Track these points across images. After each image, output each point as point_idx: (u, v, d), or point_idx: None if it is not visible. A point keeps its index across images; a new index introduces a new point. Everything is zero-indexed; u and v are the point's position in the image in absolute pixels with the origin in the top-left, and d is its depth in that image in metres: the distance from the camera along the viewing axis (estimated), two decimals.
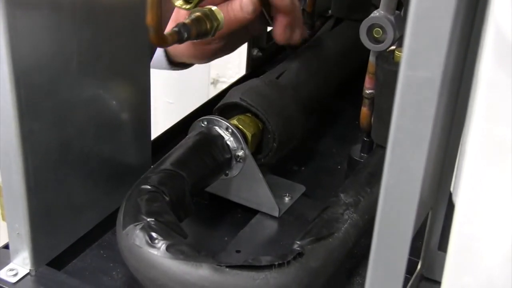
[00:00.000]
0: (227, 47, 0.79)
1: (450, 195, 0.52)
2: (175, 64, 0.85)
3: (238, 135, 0.64)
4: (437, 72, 0.33)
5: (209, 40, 0.75)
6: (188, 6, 0.57)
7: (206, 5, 0.60)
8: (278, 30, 0.73)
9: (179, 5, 0.58)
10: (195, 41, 0.75)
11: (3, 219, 0.58)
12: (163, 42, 0.53)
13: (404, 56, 0.34)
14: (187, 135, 0.66)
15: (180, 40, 0.55)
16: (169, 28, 0.66)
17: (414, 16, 0.33)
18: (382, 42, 0.66)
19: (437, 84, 0.34)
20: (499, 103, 0.31)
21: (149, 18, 0.50)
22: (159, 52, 0.82)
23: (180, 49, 0.80)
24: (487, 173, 0.34)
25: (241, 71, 1.04)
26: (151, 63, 0.82)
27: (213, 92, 1.57)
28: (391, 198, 0.38)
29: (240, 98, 0.67)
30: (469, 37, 0.42)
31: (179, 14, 0.74)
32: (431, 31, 0.33)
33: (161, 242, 0.51)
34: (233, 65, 1.53)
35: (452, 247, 0.38)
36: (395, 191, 0.38)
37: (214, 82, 1.62)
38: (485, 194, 0.35)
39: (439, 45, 0.33)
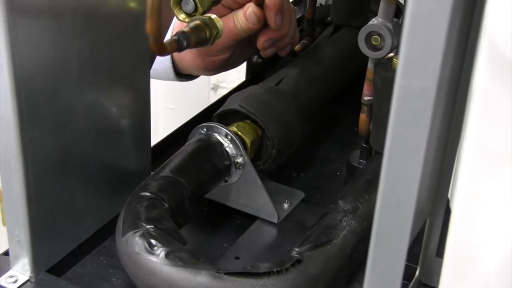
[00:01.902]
0: (234, 59, 0.80)
1: (448, 201, 0.52)
2: (182, 75, 0.85)
3: (237, 142, 0.64)
4: (432, 82, 0.34)
5: (216, 51, 0.75)
6: (191, 20, 0.58)
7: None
8: (258, 41, 0.76)
9: (182, 19, 0.59)
10: (202, 53, 0.77)
11: (3, 224, 0.59)
12: (163, 50, 0.53)
13: (400, 66, 0.34)
14: (187, 141, 0.66)
15: (180, 48, 0.55)
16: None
17: (409, 27, 0.33)
18: (380, 49, 0.66)
19: (432, 94, 0.34)
20: (492, 113, 0.31)
21: (149, 26, 0.50)
22: (167, 63, 0.82)
23: (187, 61, 0.81)
24: (482, 181, 0.34)
25: (241, 76, 1.04)
26: (158, 75, 0.82)
27: (214, 97, 1.57)
28: (387, 206, 0.38)
29: (240, 105, 0.67)
30: (465, 47, 0.42)
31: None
32: (426, 41, 0.33)
33: (160, 249, 0.52)
34: (233, 71, 1.53)
35: (448, 253, 0.38)
36: (391, 198, 0.38)
37: (215, 88, 1.63)
38: (481, 201, 0.35)
39: (434, 56, 0.33)
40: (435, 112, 0.36)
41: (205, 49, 0.69)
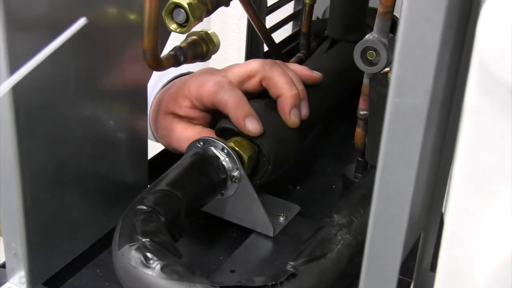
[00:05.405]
0: None
1: (442, 216, 0.52)
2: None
3: (234, 156, 0.65)
4: (424, 100, 0.34)
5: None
6: (183, 30, 0.59)
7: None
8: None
9: (174, 29, 0.60)
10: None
11: (0, 233, 0.59)
12: (160, 65, 0.54)
13: (392, 83, 0.35)
14: (183, 154, 0.66)
15: (177, 63, 0.56)
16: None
17: (401, 45, 0.34)
18: (376, 64, 0.67)
19: (424, 111, 0.34)
20: (482, 131, 0.32)
21: (146, 42, 0.50)
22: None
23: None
24: (473, 197, 0.35)
25: None
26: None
27: None
28: (380, 221, 0.39)
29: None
30: (459, 65, 0.42)
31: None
32: (417, 60, 0.34)
33: (156, 263, 0.52)
34: None
35: (441, 268, 0.38)
36: (384, 214, 0.38)
37: None
38: (472, 217, 0.36)
39: (425, 74, 0.34)
40: (428, 129, 0.36)
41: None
